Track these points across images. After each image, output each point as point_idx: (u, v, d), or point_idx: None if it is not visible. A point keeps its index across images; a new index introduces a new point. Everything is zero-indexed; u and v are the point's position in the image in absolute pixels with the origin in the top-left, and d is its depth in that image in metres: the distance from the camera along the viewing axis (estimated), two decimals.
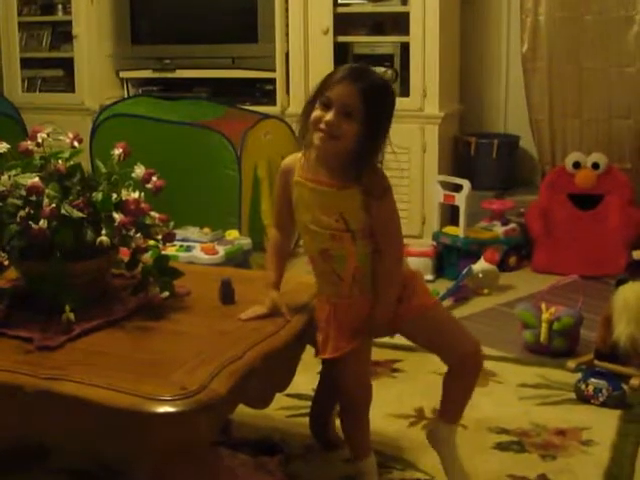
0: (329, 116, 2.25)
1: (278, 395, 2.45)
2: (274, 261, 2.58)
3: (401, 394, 3.29)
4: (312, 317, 2.51)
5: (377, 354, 2.90)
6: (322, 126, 2.26)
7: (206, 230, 4.43)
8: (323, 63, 5.26)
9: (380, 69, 5.20)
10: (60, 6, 6.11)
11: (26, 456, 2.71)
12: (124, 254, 2.61)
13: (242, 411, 2.29)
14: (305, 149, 2.38)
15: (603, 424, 3.06)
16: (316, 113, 2.28)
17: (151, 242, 2.61)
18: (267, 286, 2.53)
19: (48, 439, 2.21)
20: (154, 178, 2.63)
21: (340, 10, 5.29)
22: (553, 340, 3.67)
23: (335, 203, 2.34)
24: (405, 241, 2.55)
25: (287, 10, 5.35)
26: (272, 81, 5.48)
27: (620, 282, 3.49)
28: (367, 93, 2.24)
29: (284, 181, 2.46)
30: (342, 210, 2.33)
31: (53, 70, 6.27)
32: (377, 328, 2.44)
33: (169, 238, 2.65)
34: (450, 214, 5.19)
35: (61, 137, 2.65)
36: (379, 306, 2.40)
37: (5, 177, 2.46)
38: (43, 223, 2.36)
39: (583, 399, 3.22)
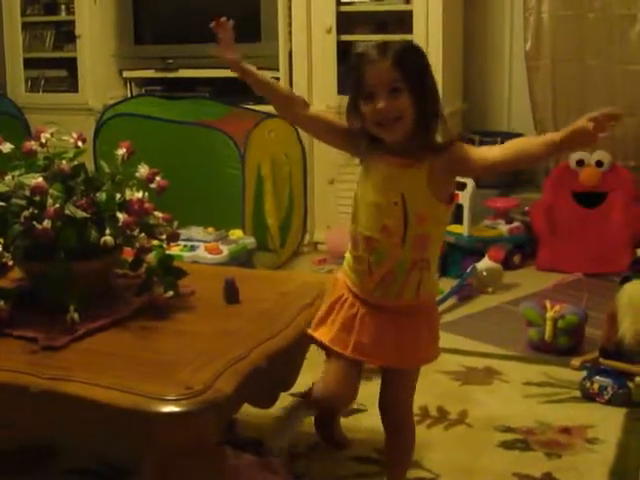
0: (380, 104, 2.11)
1: (283, 394, 2.45)
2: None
3: None
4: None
5: None
6: (379, 117, 2.12)
7: (210, 229, 4.43)
8: (326, 62, 5.27)
9: None
10: (63, 6, 6.09)
11: (33, 456, 2.72)
12: (128, 254, 2.61)
13: (247, 410, 2.29)
14: (373, 146, 2.21)
15: (608, 422, 3.05)
16: (367, 108, 2.14)
17: (155, 242, 2.61)
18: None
19: (54, 439, 2.22)
20: (158, 178, 2.64)
21: (343, 9, 5.28)
22: (558, 338, 3.67)
23: (397, 182, 2.17)
24: None
25: (290, 9, 5.34)
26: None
27: (625, 280, 3.49)
28: (400, 61, 2.11)
29: (347, 129, 2.25)
30: (403, 190, 2.16)
31: (56, 70, 6.26)
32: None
33: (173, 238, 2.65)
34: (454, 212, 5.18)
35: (65, 137, 2.66)
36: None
37: (9, 177, 2.47)
38: (47, 223, 2.36)
39: (588, 397, 3.22)
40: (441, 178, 2.16)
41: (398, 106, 2.11)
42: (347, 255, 2.32)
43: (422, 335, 2.27)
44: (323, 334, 2.30)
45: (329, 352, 2.31)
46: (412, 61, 2.15)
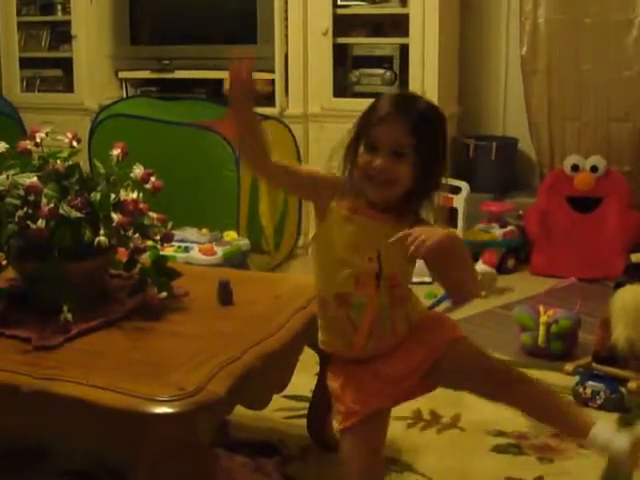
0: (379, 161, 1.99)
1: (276, 396, 2.44)
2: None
3: None
4: (310, 318, 2.51)
5: None
6: (372, 172, 2.00)
7: (204, 231, 4.43)
8: (322, 64, 5.27)
9: (379, 71, 5.22)
10: (59, 6, 6.11)
11: (25, 457, 2.71)
12: (122, 254, 2.61)
13: (240, 412, 2.29)
14: (353, 193, 2.08)
15: None
16: (363, 158, 2.02)
17: (149, 242, 2.60)
18: None
19: (46, 439, 2.21)
20: (152, 178, 2.63)
21: (339, 11, 5.29)
22: (551, 343, 3.67)
23: (375, 236, 2.04)
24: None
25: (286, 11, 5.34)
26: (271, 82, 5.48)
27: (618, 285, 3.49)
28: (417, 127, 1.99)
29: (326, 183, 2.13)
30: (380, 246, 2.04)
31: (52, 70, 6.26)
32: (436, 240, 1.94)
33: (167, 239, 2.65)
34: (448, 216, 5.19)
35: (59, 137, 2.65)
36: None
37: (3, 177, 2.46)
38: (41, 223, 2.36)
39: (581, 402, 3.22)
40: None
41: (396, 171, 2.00)
42: (320, 324, 2.18)
43: (419, 333, 2.16)
44: (344, 419, 2.15)
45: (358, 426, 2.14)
46: (429, 131, 2.03)
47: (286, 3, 5.34)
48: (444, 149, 2.08)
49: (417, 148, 1.99)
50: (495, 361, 2.25)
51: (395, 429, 3.02)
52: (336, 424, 2.22)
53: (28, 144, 2.57)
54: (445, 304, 4.29)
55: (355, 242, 2.06)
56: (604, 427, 2.20)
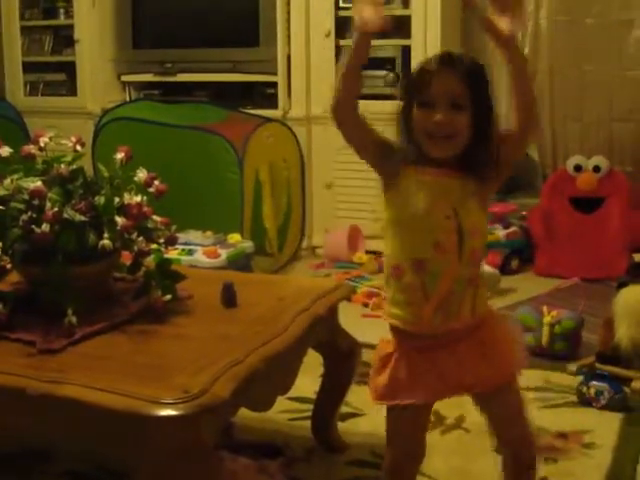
0: (439, 116, 1.96)
1: (280, 398, 2.45)
2: None
3: None
4: (314, 320, 2.52)
5: None
6: (432, 128, 1.97)
7: (208, 233, 4.44)
8: (325, 66, 5.27)
9: (381, 72, 5.22)
10: (62, 10, 6.12)
11: (30, 459, 2.72)
12: (126, 258, 2.61)
13: (244, 414, 2.29)
14: (416, 158, 2.04)
15: (605, 427, 3.06)
16: (421, 117, 1.99)
17: (153, 246, 2.60)
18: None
19: (50, 442, 2.21)
20: (156, 182, 2.64)
21: (342, 13, 5.28)
22: (554, 343, 3.67)
23: (448, 194, 2.01)
24: None
25: (289, 13, 5.35)
26: (274, 85, 5.48)
27: (621, 285, 3.50)
28: (469, 76, 1.98)
29: (396, 149, 2.07)
30: (455, 202, 2.01)
31: (55, 74, 6.27)
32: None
33: (171, 241, 2.65)
34: None
35: (63, 141, 2.66)
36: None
37: (8, 181, 2.47)
38: (45, 227, 2.36)
39: (585, 402, 3.22)
40: (488, 187, 2.06)
41: (456, 123, 1.97)
42: (388, 296, 2.13)
43: (489, 349, 2.09)
44: (381, 397, 2.14)
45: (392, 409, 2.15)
46: (480, 79, 2.03)
47: (288, 5, 5.35)
48: (493, 99, 2.08)
49: (472, 98, 1.99)
50: (527, 435, 2.22)
51: None
52: (371, 393, 2.18)
53: (32, 148, 2.58)
54: None
55: (429, 202, 2.01)
56: None
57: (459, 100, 1.97)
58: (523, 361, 2.18)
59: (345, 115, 2.04)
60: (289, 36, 5.38)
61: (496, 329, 2.14)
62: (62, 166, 2.54)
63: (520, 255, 5.08)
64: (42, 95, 6.30)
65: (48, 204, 2.41)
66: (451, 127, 1.97)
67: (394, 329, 2.12)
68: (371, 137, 2.07)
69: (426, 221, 2.01)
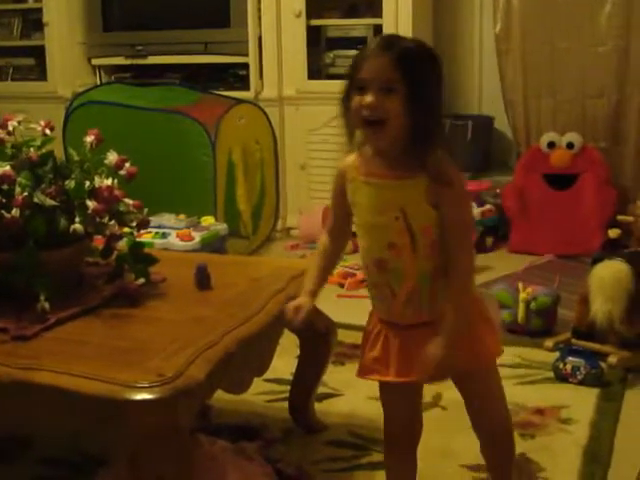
0: (368, 98, 1.94)
1: (257, 380, 2.44)
2: (316, 266, 2.23)
3: None
4: (289, 300, 2.50)
5: None
6: (364, 112, 1.96)
7: (181, 216, 4.42)
8: (296, 47, 5.26)
9: (353, 52, 5.19)
10: None
11: (6, 446, 2.70)
12: (98, 242, 2.59)
13: (221, 397, 2.28)
14: (358, 148, 2.08)
15: (581, 402, 3.07)
16: (355, 101, 1.98)
17: (125, 229, 2.59)
18: (303, 293, 2.21)
19: (27, 429, 2.20)
20: (127, 164, 2.61)
21: None
22: (530, 320, 3.69)
23: (395, 196, 2.01)
24: None
25: None
26: (245, 66, 5.46)
27: (596, 260, 3.50)
28: (402, 60, 1.94)
29: (339, 184, 2.13)
30: (403, 204, 2.00)
31: (24, 58, 6.24)
32: (432, 367, 2.02)
33: (143, 225, 2.63)
34: None
35: (33, 125, 2.63)
36: (441, 337, 2.01)
37: None
38: (15, 212, 2.34)
39: (561, 378, 3.24)
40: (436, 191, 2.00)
41: (386, 106, 1.95)
42: (368, 292, 2.19)
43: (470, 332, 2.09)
44: (365, 372, 2.20)
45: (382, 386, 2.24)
46: (415, 64, 1.98)
47: None
48: (439, 88, 2.05)
49: (406, 82, 1.95)
50: (502, 414, 2.26)
51: (375, 409, 3.03)
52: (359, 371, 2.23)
53: (0, 133, 2.55)
54: None
55: (377, 205, 2.05)
56: None
57: (389, 84, 1.94)
58: (498, 346, 2.19)
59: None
60: (260, 17, 5.36)
61: (473, 313, 2.14)
62: (31, 150, 2.51)
63: (495, 233, 5.09)
64: (12, 80, 6.25)
65: (18, 189, 2.38)
66: (382, 110, 1.95)
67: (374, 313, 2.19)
68: (347, 221, 2.18)
69: (378, 224, 2.05)
